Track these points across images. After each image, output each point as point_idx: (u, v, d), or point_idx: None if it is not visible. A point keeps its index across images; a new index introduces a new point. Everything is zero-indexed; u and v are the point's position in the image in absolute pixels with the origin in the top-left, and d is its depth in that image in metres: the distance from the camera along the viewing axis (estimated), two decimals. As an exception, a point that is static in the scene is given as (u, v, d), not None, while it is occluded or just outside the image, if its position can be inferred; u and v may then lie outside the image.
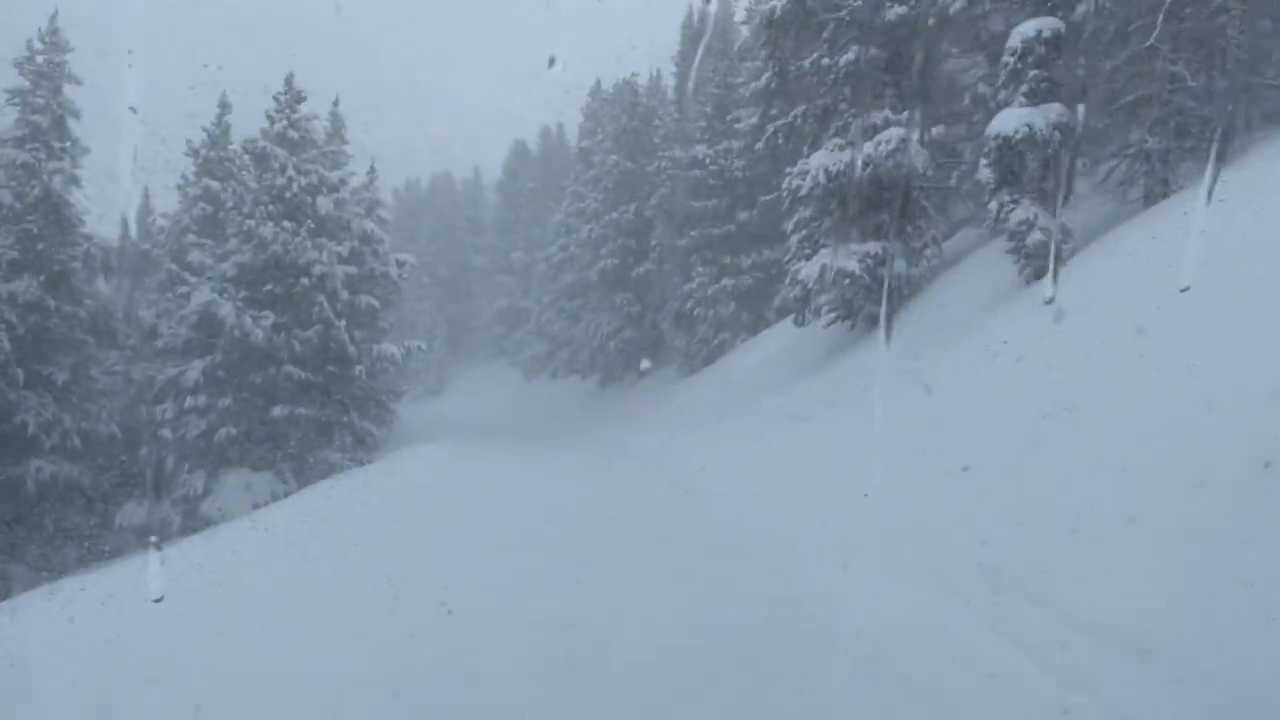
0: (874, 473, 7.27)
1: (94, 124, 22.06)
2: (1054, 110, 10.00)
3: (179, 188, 24.93)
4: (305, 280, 20.07)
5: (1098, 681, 4.29)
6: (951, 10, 13.61)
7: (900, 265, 14.34)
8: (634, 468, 13.24)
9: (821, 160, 14.51)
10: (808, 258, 15.56)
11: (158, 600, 6.56)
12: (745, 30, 27.23)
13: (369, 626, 6.18)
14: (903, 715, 4.40)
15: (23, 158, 19.39)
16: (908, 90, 14.72)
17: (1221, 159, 9.60)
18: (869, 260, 14.11)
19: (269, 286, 19.99)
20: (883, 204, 14.54)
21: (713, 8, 29.49)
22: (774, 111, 17.26)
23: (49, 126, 19.76)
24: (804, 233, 16.76)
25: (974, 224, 16.98)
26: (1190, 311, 6.65)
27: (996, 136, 10.20)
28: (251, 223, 19.90)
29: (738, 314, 25.71)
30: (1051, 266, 9.48)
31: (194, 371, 19.47)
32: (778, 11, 15.11)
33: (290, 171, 20.24)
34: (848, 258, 13.96)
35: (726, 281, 25.83)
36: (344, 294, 20.94)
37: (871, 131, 14.08)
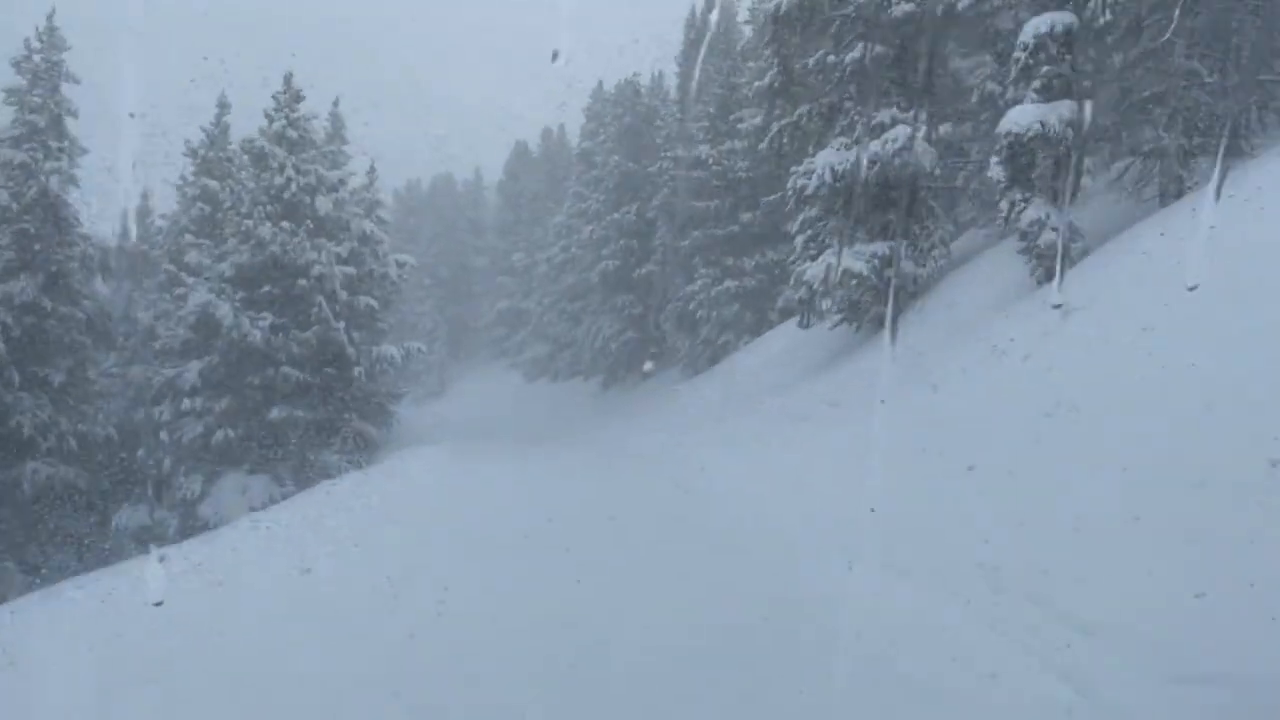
0: (877, 472, 7.31)
1: (93, 123, 21.92)
2: (1067, 107, 9.80)
3: (177, 187, 24.76)
4: (304, 281, 19.88)
5: (1099, 682, 4.28)
6: (959, 6, 13.40)
7: (908, 266, 14.14)
8: (635, 468, 13.29)
9: (827, 159, 14.31)
10: (813, 258, 15.34)
11: (157, 604, 6.57)
12: (748, 30, 27.05)
13: (369, 627, 6.17)
14: (903, 715, 4.39)
15: (19, 157, 19.23)
16: (914, 88, 14.52)
17: (1231, 156, 9.44)
18: (876, 261, 13.91)
19: (267, 287, 19.80)
20: (890, 203, 14.33)
21: (714, 17, 29.34)
22: (778, 110, 17.04)
23: (46, 126, 19.60)
24: (809, 233, 16.55)
25: (980, 225, 16.80)
26: (1195, 311, 6.67)
27: (1008, 134, 9.99)
28: (249, 223, 19.71)
29: (740, 315, 25.51)
30: (1059, 270, 9.32)
31: (191, 373, 19.27)
32: (783, 8, 14.91)
33: (289, 171, 20.04)
34: (854, 258, 13.75)
35: (729, 283, 25.62)
36: (343, 295, 20.74)
37: (878, 130, 13.88)
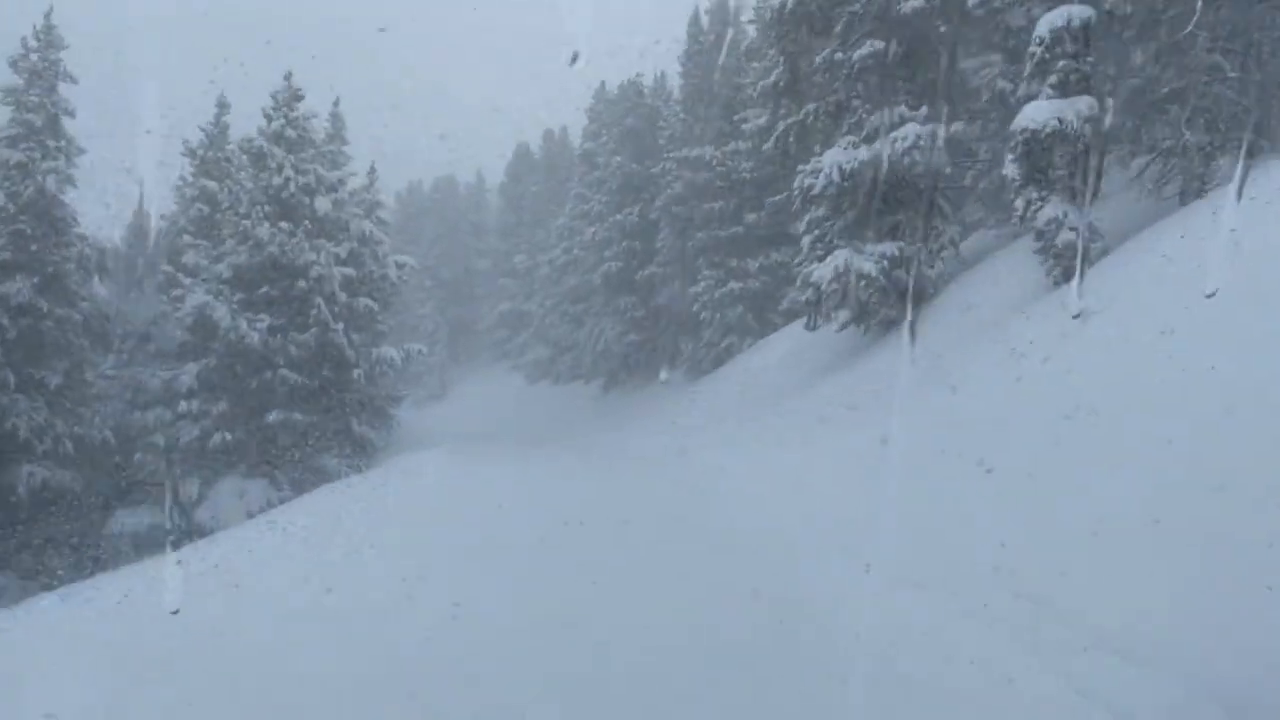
0: (896, 475, 7.34)
1: (93, 122, 21.72)
2: (1085, 103, 9.53)
3: (176, 188, 24.57)
4: (302, 282, 19.65)
5: (1115, 689, 4.24)
6: (969, 3, 13.14)
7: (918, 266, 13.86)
8: (635, 470, 13.29)
9: (835, 158, 14.04)
10: (820, 259, 15.05)
11: (174, 612, 6.58)
12: (752, 30, 26.82)
13: (385, 629, 6.19)
14: (914, 718, 4.37)
15: (16, 157, 19.04)
16: (923, 86, 14.27)
17: (1252, 155, 9.19)
18: (885, 261, 13.64)
19: (265, 288, 19.58)
20: (899, 203, 14.07)
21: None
22: (784, 109, 16.79)
23: (43, 125, 19.42)
24: (816, 233, 16.26)
25: (989, 225, 16.53)
26: (1216, 314, 6.61)
27: (1024, 130, 9.72)
28: (247, 223, 19.48)
29: (745, 317, 25.25)
30: (1078, 274, 9.08)
31: (188, 376, 19.04)
32: (789, 5, 14.66)
33: (287, 171, 19.82)
34: (863, 259, 13.48)
35: (734, 284, 25.38)
36: (342, 296, 20.50)
37: (887, 128, 13.62)
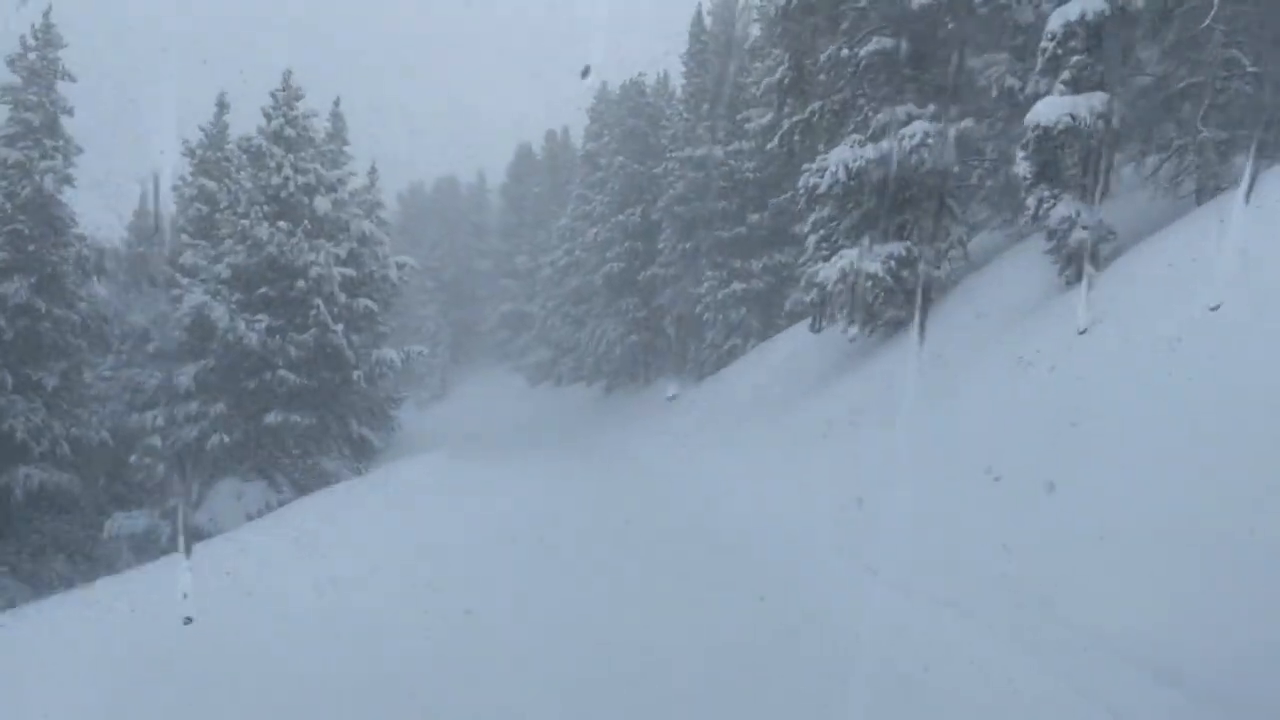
0: (898, 479, 7.27)
1: (91, 121, 21.57)
2: (1098, 99, 9.31)
3: (175, 188, 24.41)
4: (301, 282, 19.48)
5: (1122, 700, 4.20)
6: (975, 0, 12.94)
7: (924, 267, 13.65)
8: (637, 472, 13.44)
9: (841, 156, 13.83)
10: (825, 259, 14.85)
11: (188, 621, 6.48)
12: (756, 30, 26.62)
13: (396, 634, 6.19)
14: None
15: (14, 156, 18.89)
16: (931, 83, 14.05)
17: (1262, 156, 8.97)
18: (892, 262, 13.42)
19: (264, 289, 19.42)
20: (906, 202, 13.85)
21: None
22: (789, 108, 16.58)
23: (41, 125, 19.26)
24: (821, 233, 16.07)
25: (995, 225, 16.30)
26: (1223, 323, 6.52)
27: (1036, 127, 9.51)
28: (246, 223, 19.32)
29: (748, 319, 25.05)
30: (1084, 283, 8.91)
31: (186, 377, 18.86)
32: (793, 1, 14.45)
33: (287, 170, 19.66)
34: (869, 259, 13.27)
35: (737, 285, 25.18)
36: (341, 297, 20.33)
37: (894, 126, 13.40)
